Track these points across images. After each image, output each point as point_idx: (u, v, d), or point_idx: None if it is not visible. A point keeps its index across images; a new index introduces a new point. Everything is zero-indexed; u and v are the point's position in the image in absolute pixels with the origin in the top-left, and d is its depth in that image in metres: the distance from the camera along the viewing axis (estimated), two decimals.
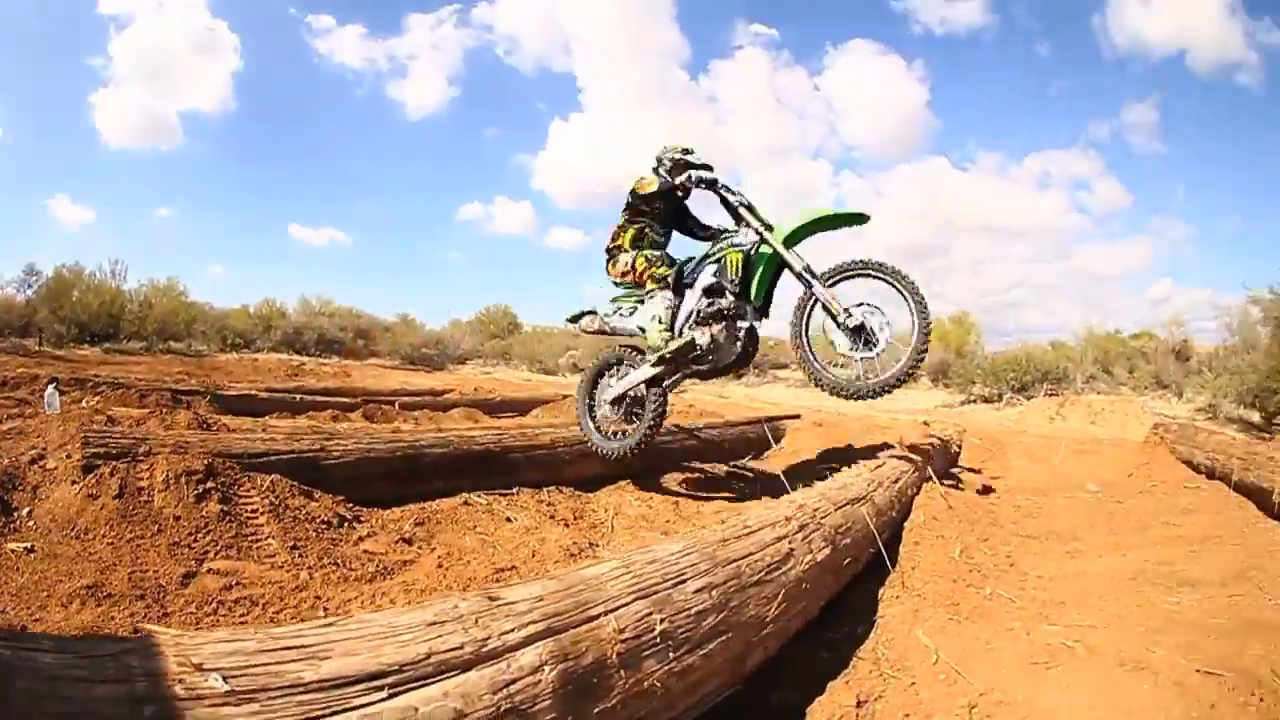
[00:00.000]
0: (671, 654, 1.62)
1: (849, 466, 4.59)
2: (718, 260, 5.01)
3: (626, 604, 1.61)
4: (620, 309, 5.41)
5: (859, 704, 2.30)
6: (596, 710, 1.41)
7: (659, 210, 5.46)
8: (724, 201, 5.00)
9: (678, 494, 5.45)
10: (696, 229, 5.71)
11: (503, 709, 1.23)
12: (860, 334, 4.55)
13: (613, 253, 5.44)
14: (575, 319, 5.57)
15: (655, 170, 5.39)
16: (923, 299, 4.40)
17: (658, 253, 5.36)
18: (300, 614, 2.61)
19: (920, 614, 3.19)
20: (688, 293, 5.16)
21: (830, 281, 4.66)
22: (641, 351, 5.29)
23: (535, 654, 1.34)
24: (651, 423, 5.04)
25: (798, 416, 9.02)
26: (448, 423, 7.48)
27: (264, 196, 52.46)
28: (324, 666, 1.11)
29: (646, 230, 5.43)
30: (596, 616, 1.51)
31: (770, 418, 8.46)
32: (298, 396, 9.00)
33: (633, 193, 5.35)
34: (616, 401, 5.30)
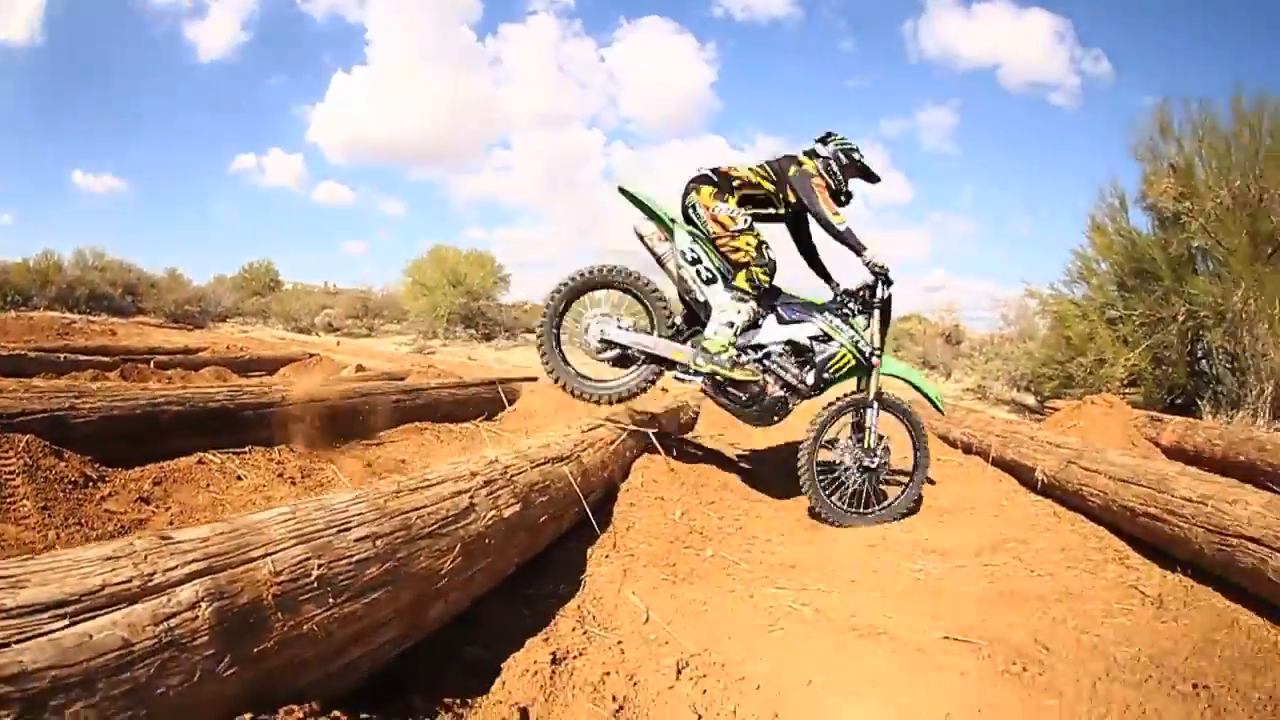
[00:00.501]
0: (332, 599, 1.67)
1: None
2: (826, 339, 4.88)
3: (286, 548, 1.65)
4: (699, 261, 4.84)
5: (555, 660, 2.36)
6: (256, 650, 1.46)
7: (773, 213, 5.13)
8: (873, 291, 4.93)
9: (403, 457, 5.42)
10: (812, 260, 5.44)
11: (164, 640, 1.30)
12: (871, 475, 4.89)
13: (720, 188, 4.91)
14: (649, 215, 4.93)
15: (814, 156, 5.08)
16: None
17: (770, 252, 4.92)
18: None
19: (631, 574, 3.34)
20: (771, 321, 4.91)
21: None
22: (662, 308, 4.95)
23: (193, 590, 1.40)
24: (640, 386, 4.94)
25: (534, 379, 9.15)
26: (198, 381, 7.40)
27: (53, 139, 50.31)
28: (21, 594, 1.22)
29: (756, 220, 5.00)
30: (255, 559, 1.56)
31: (504, 379, 8.60)
32: (62, 356, 8.83)
33: (768, 168, 5.05)
34: (608, 343, 4.87)
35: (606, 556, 3.51)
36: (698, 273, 4.79)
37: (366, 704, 1.73)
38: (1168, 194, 12.90)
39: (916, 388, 5.01)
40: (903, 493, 4.91)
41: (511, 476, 2.93)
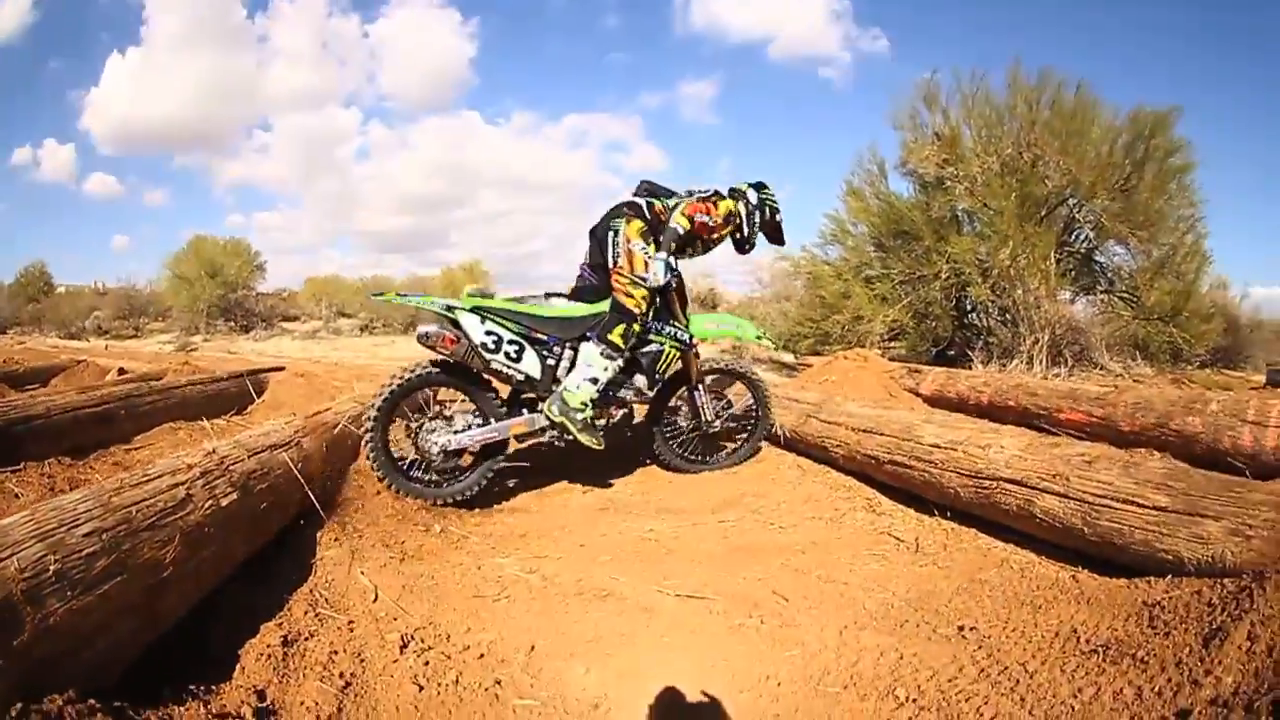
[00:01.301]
0: (70, 593, 2.00)
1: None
2: (658, 350, 5.26)
3: (28, 547, 1.97)
4: (501, 343, 4.85)
5: (287, 643, 2.70)
6: (15, 643, 1.79)
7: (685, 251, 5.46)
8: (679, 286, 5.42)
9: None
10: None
11: None
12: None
13: (650, 229, 5.14)
14: (448, 313, 4.84)
15: (738, 197, 5.50)
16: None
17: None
18: None
19: (360, 554, 3.70)
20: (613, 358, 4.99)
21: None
22: (486, 391, 5.00)
23: None
24: (487, 475, 4.94)
25: (282, 369, 9.47)
26: None
27: None
28: None
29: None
30: (4, 559, 1.88)
31: (253, 370, 8.79)
32: None
33: (705, 220, 5.29)
34: (452, 453, 4.83)
35: (336, 539, 3.80)
36: (506, 355, 4.83)
37: (122, 696, 2.02)
38: (930, 160, 14.43)
39: (738, 338, 6.07)
40: (744, 443, 5.81)
41: (228, 466, 3.23)
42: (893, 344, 15.09)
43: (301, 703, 2.39)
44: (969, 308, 14.95)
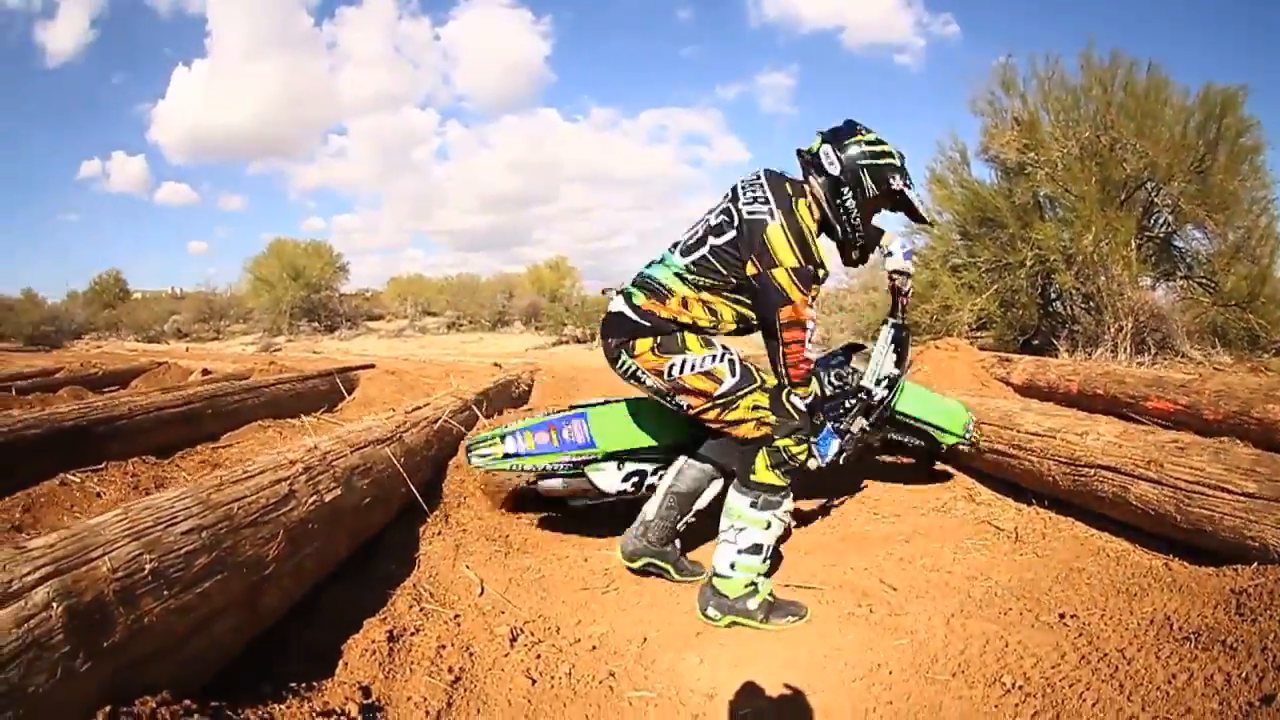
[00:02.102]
0: (166, 592, 1.90)
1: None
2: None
3: (121, 546, 1.87)
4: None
5: (392, 638, 2.60)
6: (106, 644, 1.68)
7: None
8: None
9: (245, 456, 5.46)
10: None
11: (27, 641, 1.51)
12: None
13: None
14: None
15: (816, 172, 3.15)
16: None
17: None
18: None
19: (465, 548, 3.64)
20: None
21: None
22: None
23: (45, 593, 1.61)
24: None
25: (372, 366, 9.52)
26: (55, 403, 7.18)
27: None
28: None
29: None
30: (95, 559, 1.78)
31: (342, 369, 8.85)
32: None
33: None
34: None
35: (439, 533, 3.77)
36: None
37: (218, 694, 1.93)
38: (1011, 146, 14.01)
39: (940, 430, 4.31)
40: None
41: (331, 462, 3.16)
42: (980, 333, 14.81)
43: (409, 698, 2.30)
44: (1054, 296, 14.61)
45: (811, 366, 3.04)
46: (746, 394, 3.05)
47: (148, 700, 1.71)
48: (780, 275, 2.90)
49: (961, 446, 4.28)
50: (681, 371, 3.06)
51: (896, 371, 3.57)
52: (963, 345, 10.53)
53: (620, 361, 3.19)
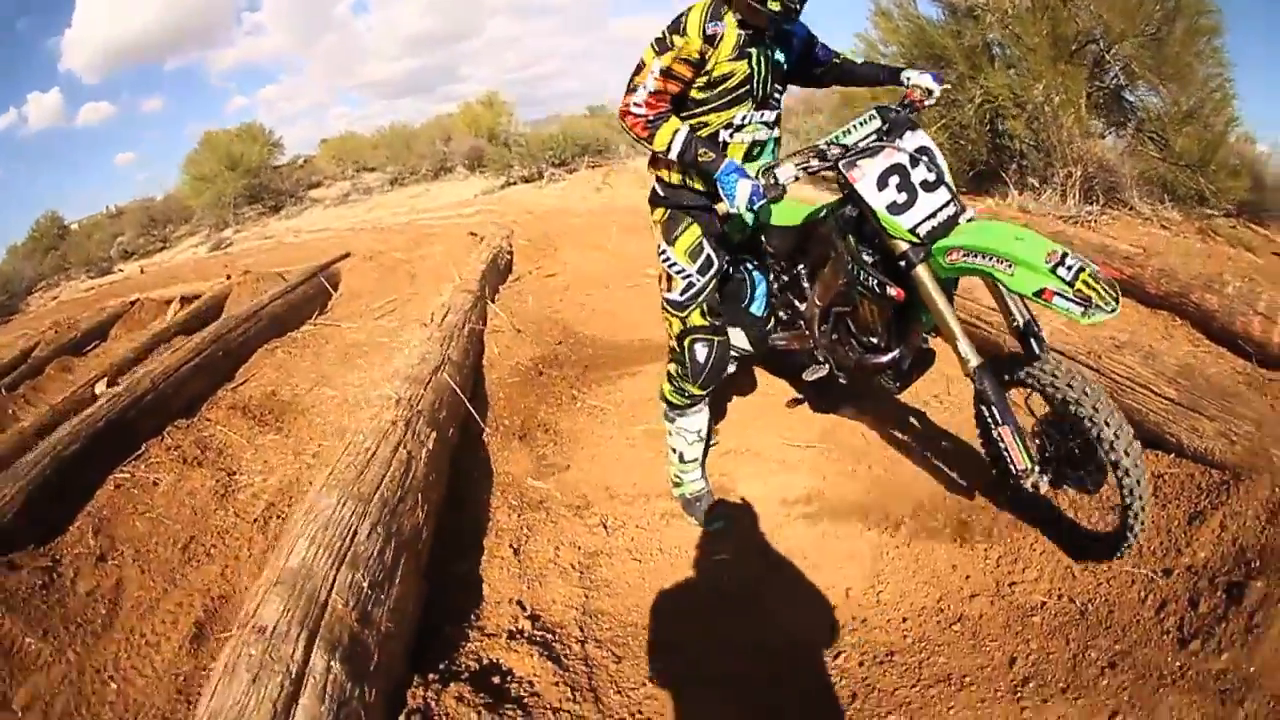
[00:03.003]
0: (383, 595, 2.30)
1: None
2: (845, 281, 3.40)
3: (336, 574, 2.24)
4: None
5: (516, 552, 3.10)
6: (372, 667, 2.09)
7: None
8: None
9: (271, 388, 5.65)
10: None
11: (335, 712, 1.86)
12: None
13: None
14: None
15: None
16: None
17: None
18: None
19: (528, 446, 4.14)
20: None
21: None
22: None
23: (320, 659, 1.97)
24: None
25: (348, 255, 9.50)
26: (50, 387, 7.25)
27: None
28: None
29: None
30: (326, 600, 2.14)
31: (323, 265, 8.79)
32: None
33: None
34: None
35: (502, 441, 4.18)
36: None
37: (431, 656, 2.44)
38: None
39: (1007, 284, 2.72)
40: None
41: (418, 409, 3.54)
42: None
43: (554, 601, 2.82)
44: (1001, 133, 14.19)
45: (646, 117, 3.06)
46: (677, 315, 3.37)
47: (416, 693, 2.15)
48: (648, 48, 3.04)
49: (1063, 303, 2.50)
50: (661, 256, 3.35)
51: (848, 137, 3.11)
52: None
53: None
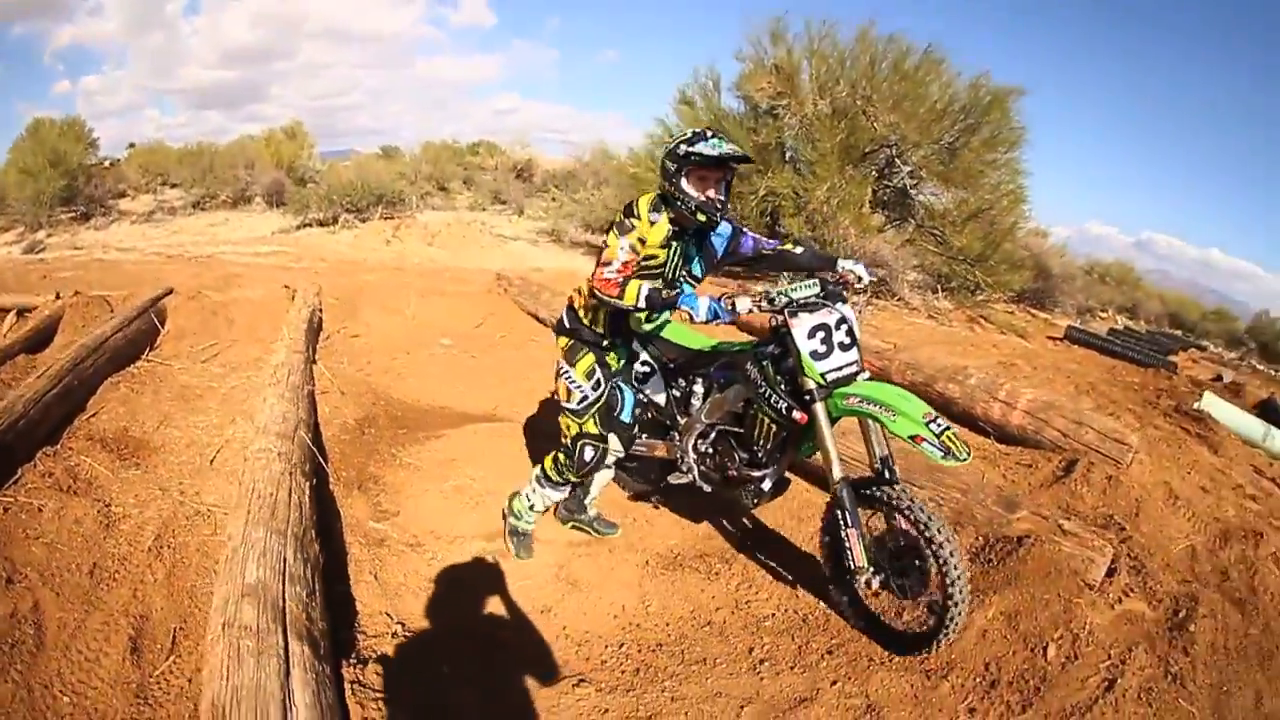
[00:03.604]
0: (314, 602, 3.41)
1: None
2: (746, 401, 4.14)
3: (286, 589, 3.23)
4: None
5: (375, 576, 4.15)
6: None
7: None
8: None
9: (124, 424, 5.91)
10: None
11: None
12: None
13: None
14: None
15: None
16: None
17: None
18: None
19: (365, 501, 5.07)
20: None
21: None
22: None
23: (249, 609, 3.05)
24: None
25: (171, 291, 9.65)
26: None
27: None
28: None
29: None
30: (283, 606, 3.24)
31: (154, 300, 8.91)
32: None
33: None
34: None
35: (345, 496, 5.04)
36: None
37: None
38: (765, 91, 15.58)
39: (884, 424, 3.60)
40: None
41: (294, 462, 4.50)
42: None
43: (412, 613, 3.95)
44: (781, 230, 15.71)
45: (615, 281, 3.91)
46: (572, 418, 4.39)
47: (348, 670, 3.22)
48: (610, 231, 4.08)
49: (927, 446, 3.40)
50: (562, 374, 4.37)
51: (795, 293, 3.85)
52: None
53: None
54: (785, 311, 3.78)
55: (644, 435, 4.75)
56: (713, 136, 3.95)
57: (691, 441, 4.41)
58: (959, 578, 3.46)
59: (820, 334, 3.76)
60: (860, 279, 4.16)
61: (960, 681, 3.57)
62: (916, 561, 3.65)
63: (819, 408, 3.74)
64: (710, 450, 4.37)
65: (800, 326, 3.73)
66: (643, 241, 4.03)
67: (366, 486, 5.22)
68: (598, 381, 4.34)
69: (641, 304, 3.90)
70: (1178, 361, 17.35)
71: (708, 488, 4.39)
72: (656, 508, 5.26)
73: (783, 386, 3.87)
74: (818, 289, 3.90)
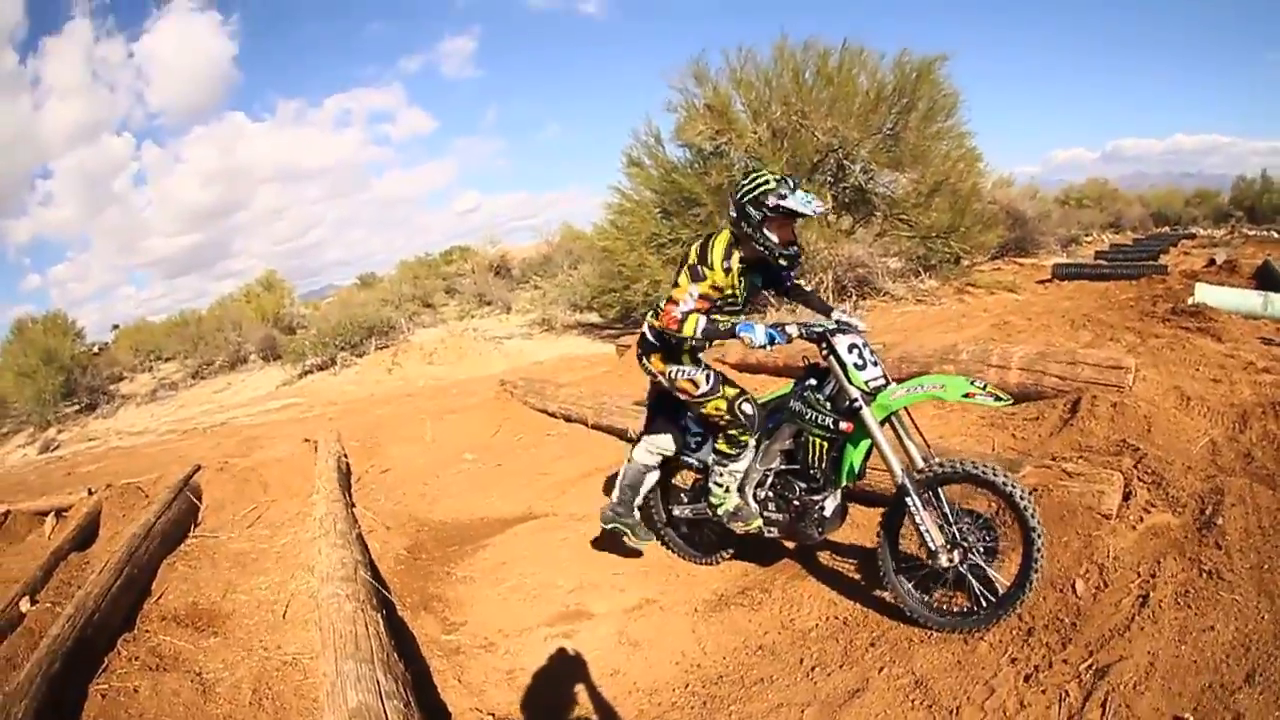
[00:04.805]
0: (412, 712, 3.70)
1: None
2: (795, 434, 4.68)
3: (386, 705, 3.60)
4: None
5: (459, 680, 4.56)
6: None
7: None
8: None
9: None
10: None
11: None
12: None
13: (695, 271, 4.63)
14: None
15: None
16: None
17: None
18: None
19: (433, 620, 5.43)
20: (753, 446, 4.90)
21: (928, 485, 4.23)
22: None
23: None
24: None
25: (200, 468, 9.45)
26: None
27: None
28: None
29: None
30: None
31: (186, 479, 8.84)
32: None
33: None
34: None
35: (414, 619, 5.41)
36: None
37: None
38: (704, 133, 16.01)
39: (940, 399, 4.28)
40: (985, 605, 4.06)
41: (361, 600, 4.83)
42: None
43: (498, 703, 4.33)
44: None
45: (678, 318, 4.50)
46: (712, 398, 4.79)
47: None
48: (684, 269, 4.61)
49: (985, 400, 4.08)
50: (678, 375, 4.88)
51: (833, 324, 4.45)
52: None
53: (645, 366, 5.07)
54: (827, 333, 4.37)
55: (690, 504, 5.42)
56: (796, 188, 4.41)
57: (750, 492, 4.89)
58: (1033, 517, 3.79)
59: (856, 349, 4.35)
60: (855, 326, 4.54)
61: (997, 638, 3.87)
62: (984, 525, 4.12)
63: (866, 413, 4.22)
64: (770, 494, 4.83)
65: (842, 343, 4.34)
66: (716, 288, 4.55)
67: (431, 606, 5.55)
68: (704, 365, 4.89)
69: (699, 335, 4.49)
70: (1167, 262, 17.59)
71: (774, 531, 4.89)
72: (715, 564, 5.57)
73: (827, 405, 4.41)
74: (832, 324, 4.47)
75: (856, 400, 4.25)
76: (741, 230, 4.53)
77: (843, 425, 4.35)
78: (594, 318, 20.34)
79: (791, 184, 4.42)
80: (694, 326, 4.48)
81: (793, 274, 5.01)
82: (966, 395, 4.07)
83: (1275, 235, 34.25)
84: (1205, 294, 9.73)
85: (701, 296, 4.52)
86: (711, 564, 5.56)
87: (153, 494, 8.59)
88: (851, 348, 4.36)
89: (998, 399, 4.11)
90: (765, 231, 4.46)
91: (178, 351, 29.33)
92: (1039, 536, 3.80)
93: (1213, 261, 16.07)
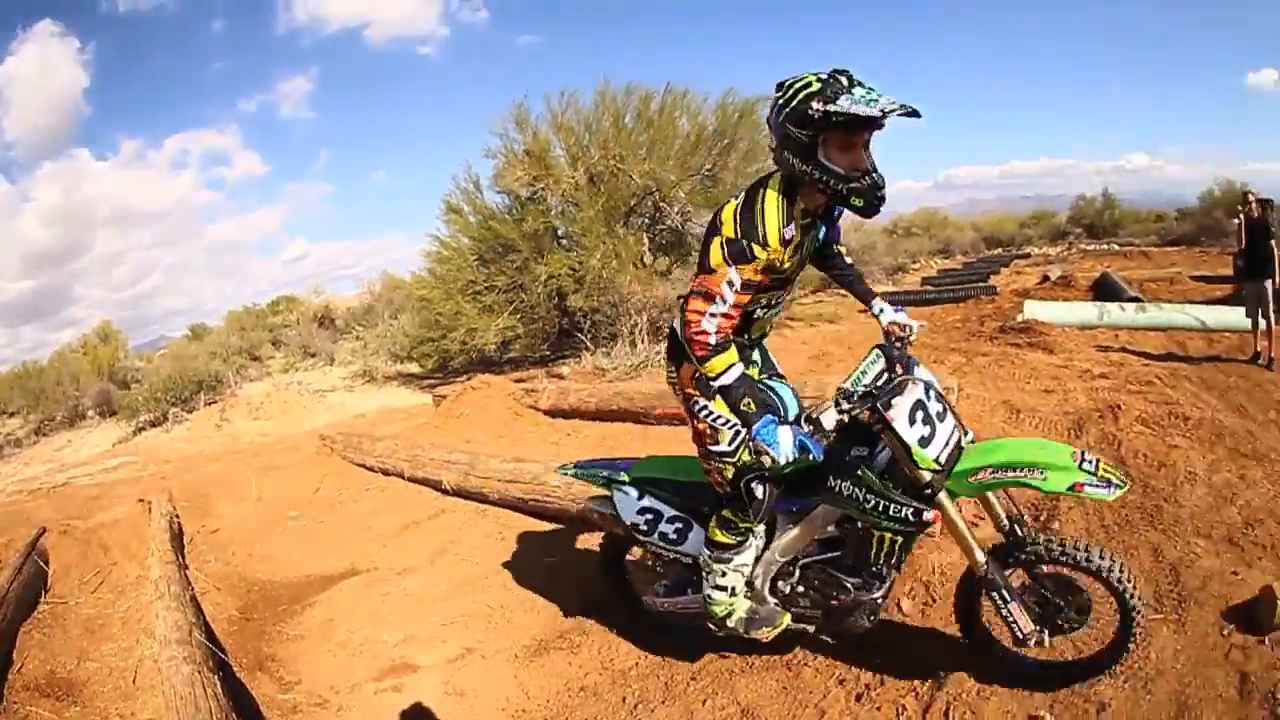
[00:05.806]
0: None
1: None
2: (850, 521, 3.65)
3: None
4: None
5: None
6: None
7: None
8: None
9: None
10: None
11: None
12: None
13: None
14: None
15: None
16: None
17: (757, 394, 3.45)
18: None
19: (268, 679, 5.68)
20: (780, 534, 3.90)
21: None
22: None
23: None
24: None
25: (45, 531, 9.18)
26: None
27: None
28: None
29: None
30: None
31: (33, 544, 8.55)
32: None
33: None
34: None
35: (250, 679, 5.72)
36: (662, 536, 4.35)
37: None
38: (522, 179, 16.35)
39: (1037, 488, 3.24)
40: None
41: (199, 662, 5.10)
42: (510, 349, 17.14)
43: None
44: (569, 306, 16.60)
45: (710, 340, 3.21)
46: (728, 462, 3.64)
47: None
48: (715, 242, 3.22)
49: (1097, 493, 3.12)
50: (700, 412, 3.65)
51: (866, 377, 3.42)
52: (495, 381, 12.13)
53: (670, 371, 3.84)
54: (878, 405, 3.26)
55: (688, 592, 4.38)
56: (854, 84, 3.04)
57: (765, 586, 3.94)
58: (1130, 583, 3.28)
59: (920, 413, 3.29)
60: (908, 328, 3.75)
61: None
62: (1070, 596, 3.38)
63: (943, 497, 3.35)
64: (801, 589, 3.89)
65: (900, 418, 3.25)
66: (768, 270, 3.33)
67: (266, 666, 5.76)
68: (749, 408, 3.30)
69: (720, 383, 3.32)
70: (998, 283, 18.54)
71: (808, 628, 3.99)
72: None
73: (897, 490, 3.37)
74: (882, 363, 3.51)
75: (929, 485, 3.29)
76: (792, 168, 3.22)
77: (927, 516, 3.34)
78: (414, 368, 20.41)
79: (846, 80, 3.05)
80: (721, 369, 3.29)
81: (840, 242, 3.99)
82: (1072, 488, 3.11)
83: (1115, 248, 37.04)
84: (1034, 310, 10.48)
85: (745, 286, 3.25)
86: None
87: (4, 559, 8.28)
88: (913, 416, 3.28)
89: (1112, 485, 3.12)
90: (821, 159, 3.13)
91: (21, 406, 28.40)
92: (1140, 616, 3.35)
93: (1046, 278, 17.04)
